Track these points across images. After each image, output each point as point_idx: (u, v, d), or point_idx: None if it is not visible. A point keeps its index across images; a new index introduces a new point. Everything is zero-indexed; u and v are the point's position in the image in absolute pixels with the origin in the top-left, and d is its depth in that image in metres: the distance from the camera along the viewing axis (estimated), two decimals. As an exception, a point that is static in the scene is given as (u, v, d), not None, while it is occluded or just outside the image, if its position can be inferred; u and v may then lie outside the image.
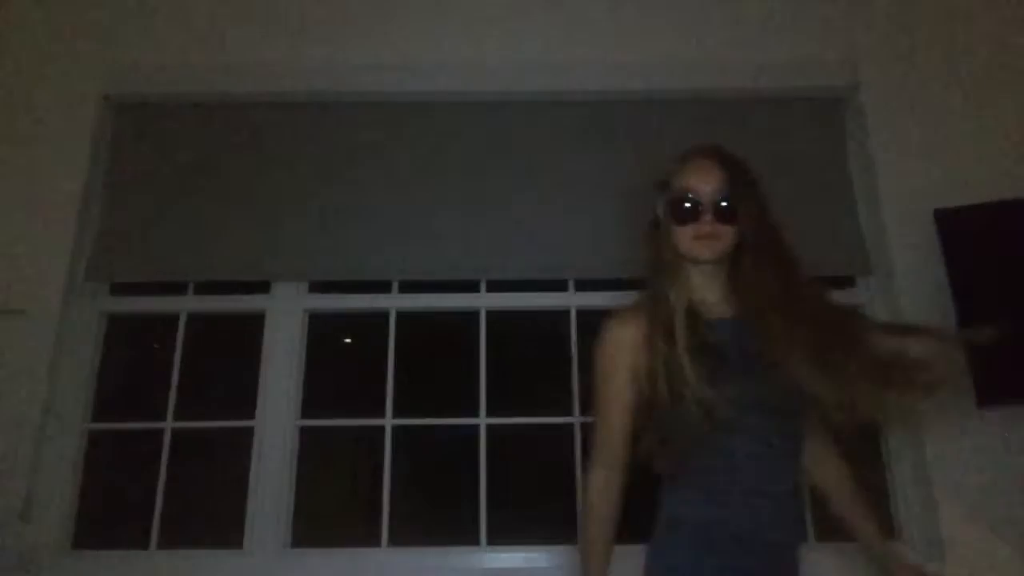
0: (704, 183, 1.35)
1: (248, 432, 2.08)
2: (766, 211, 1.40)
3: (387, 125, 2.29)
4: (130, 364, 2.30)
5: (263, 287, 2.20)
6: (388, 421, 2.12)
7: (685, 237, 1.37)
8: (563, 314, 2.21)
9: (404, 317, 2.23)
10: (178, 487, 2.08)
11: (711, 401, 1.24)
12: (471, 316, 2.22)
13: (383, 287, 2.22)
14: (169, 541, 2.02)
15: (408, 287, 2.23)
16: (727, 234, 1.36)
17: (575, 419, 2.11)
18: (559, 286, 2.23)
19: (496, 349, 2.19)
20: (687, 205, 1.36)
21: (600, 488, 1.40)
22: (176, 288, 2.22)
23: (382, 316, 2.22)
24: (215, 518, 2.12)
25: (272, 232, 2.18)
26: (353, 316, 2.30)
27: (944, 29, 2.34)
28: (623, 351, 1.38)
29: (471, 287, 2.23)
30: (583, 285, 2.22)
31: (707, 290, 1.41)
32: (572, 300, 2.22)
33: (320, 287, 2.23)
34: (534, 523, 2.12)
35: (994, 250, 2.00)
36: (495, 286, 2.23)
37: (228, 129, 2.28)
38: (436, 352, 2.37)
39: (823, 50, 2.33)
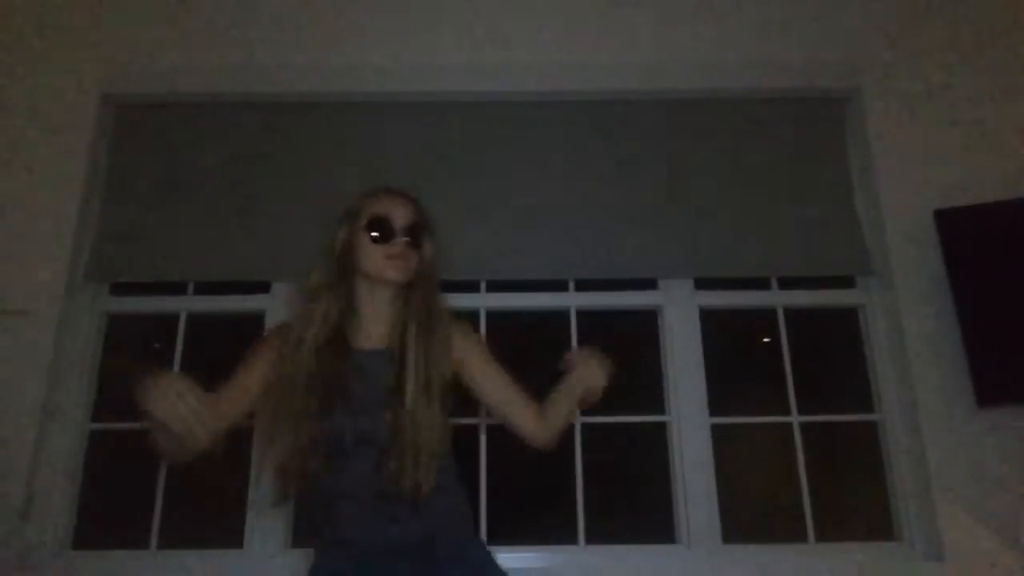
0: (398, 211, 1.46)
1: (248, 432, 2.08)
2: (437, 252, 1.52)
3: (387, 126, 2.29)
4: (130, 364, 2.30)
5: (263, 287, 2.21)
6: (388, 421, 2.12)
7: (377, 256, 1.43)
8: (563, 314, 2.22)
9: (404, 317, 2.22)
10: (178, 487, 2.08)
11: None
12: (472, 316, 2.22)
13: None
14: (169, 541, 2.02)
15: (408, 287, 2.23)
16: (413, 259, 1.46)
17: (575, 419, 2.11)
18: (559, 286, 2.23)
19: (498, 348, 2.19)
20: (381, 228, 1.44)
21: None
22: (176, 288, 2.22)
23: (382, 316, 2.21)
24: (215, 518, 2.12)
25: (272, 232, 2.18)
26: (353, 316, 2.29)
27: (944, 30, 2.33)
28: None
29: (472, 287, 2.23)
30: (583, 285, 2.22)
31: (376, 317, 1.46)
32: (572, 300, 2.22)
33: (320, 287, 2.23)
34: (534, 523, 2.12)
35: (994, 250, 2.00)
36: (496, 286, 2.23)
37: (228, 129, 2.28)
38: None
39: (824, 51, 2.33)
